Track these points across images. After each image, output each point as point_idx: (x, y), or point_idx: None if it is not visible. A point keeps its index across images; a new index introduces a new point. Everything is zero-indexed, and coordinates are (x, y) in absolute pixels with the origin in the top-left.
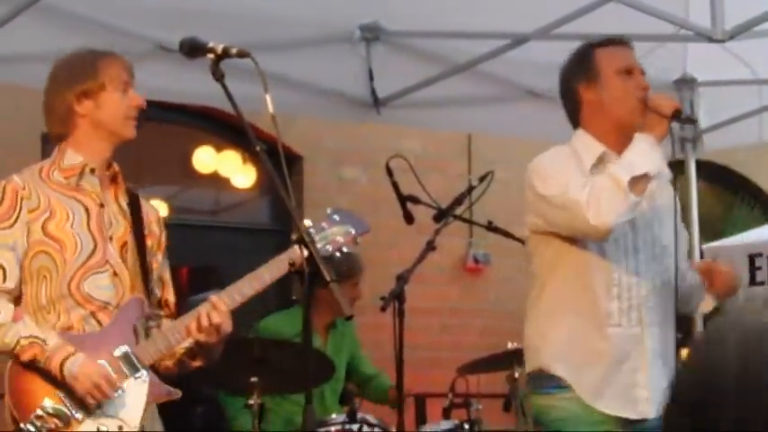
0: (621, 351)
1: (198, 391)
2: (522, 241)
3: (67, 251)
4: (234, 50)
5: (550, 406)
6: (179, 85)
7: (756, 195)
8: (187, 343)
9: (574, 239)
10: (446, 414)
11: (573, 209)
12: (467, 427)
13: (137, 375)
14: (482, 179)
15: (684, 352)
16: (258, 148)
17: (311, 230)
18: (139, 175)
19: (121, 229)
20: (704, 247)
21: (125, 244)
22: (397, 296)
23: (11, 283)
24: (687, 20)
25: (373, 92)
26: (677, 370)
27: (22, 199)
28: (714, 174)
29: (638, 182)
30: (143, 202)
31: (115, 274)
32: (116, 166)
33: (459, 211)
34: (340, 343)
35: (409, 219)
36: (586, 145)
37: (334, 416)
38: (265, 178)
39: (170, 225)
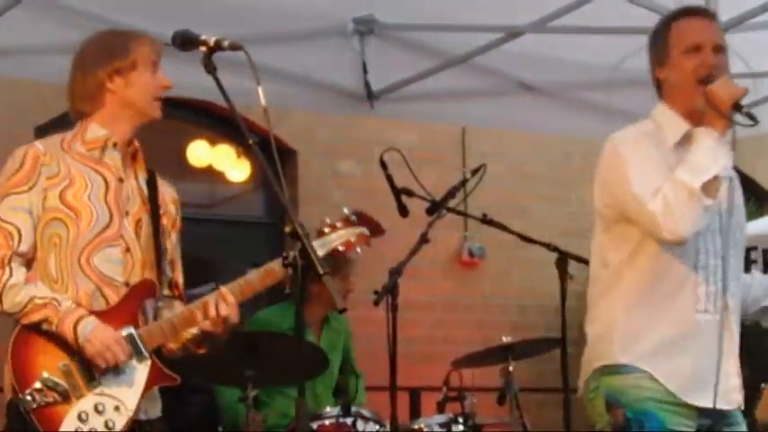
0: (710, 338)
1: (193, 381)
2: (516, 234)
3: (83, 221)
4: (226, 43)
5: (632, 385)
6: (173, 79)
7: (752, 188)
8: (194, 329)
9: None
10: (440, 408)
11: (647, 221)
12: (461, 420)
13: (139, 358)
14: (475, 172)
15: None
16: (251, 142)
17: (326, 229)
18: None
19: (137, 205)
20: None
21: (140, 221)
22: (391, 290)
23: (24, 246)
24: None
25: (367, 85)
26: None
27: (42, 165)
28: None
29: (709, 185)
30: (160, 181)
31: (127, 249)
32: (137, 143)
33: (453, 204)
34: (334, 337)
35: (404, 211)
36: (670, 121)
37: (328, 409)
38: (259, 172)
39: None
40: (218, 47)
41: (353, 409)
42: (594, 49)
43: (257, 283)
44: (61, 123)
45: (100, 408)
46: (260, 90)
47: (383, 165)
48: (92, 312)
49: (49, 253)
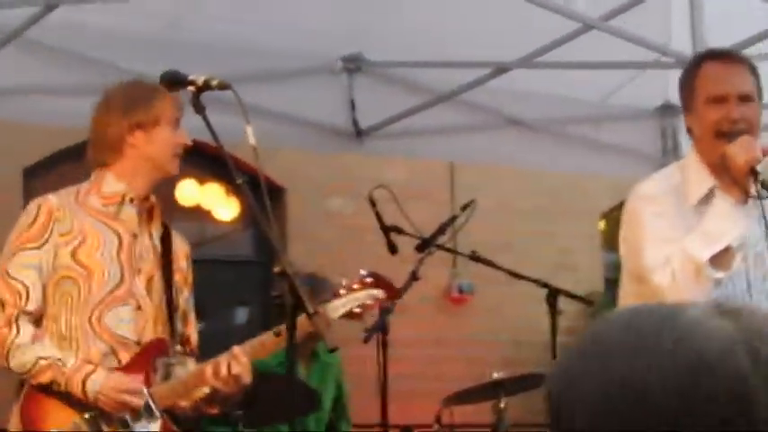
0: None
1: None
2: (505, 270)
3: (95, 280)
4: (214, 82)
5: None
6: None
7: None
8: (205, 389)
9: None
10: None
11: (654, 292)
12: None
13: (150, 417)
14: (464, 208)
15: None
16: (239, 181)
17: (342, 291)
18: None
19: (150, 262)
20: None
21: (152, 278)
22: (381, 328)
23: (32, 306)
24: (668, 46)
25: (355, 122)
26: None
27: (55, 221)
28: None
29: (722, 256)
30: (175, 236)
31: (139, 307)
32: (153, 199)
33: (442, 240)
34: (324, 373)
35: (393, 249)
36: (696, 174)
37: None
38: (248, 210)
39: None
40: (206, 86)
41: None
42: (582, 83)
43: (271, 345)
44: (50, 164)
45: None
46: (248, 129)
47: (372, 202)
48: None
49: (60, 311)
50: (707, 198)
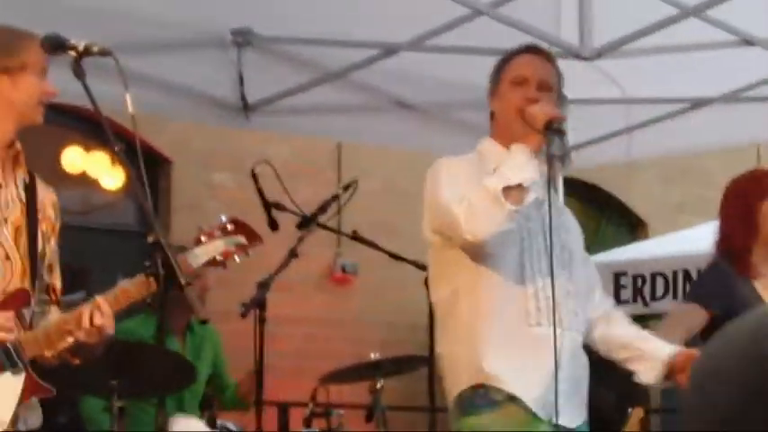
0: (546, 352)
1: (58, 391)
2: (386, 252)
3: None
4: (95, 48)
5: (492, 423)
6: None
7: (624, 214)
8: (69, 339)
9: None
10: (307, 423)
11: (451, 224)
12: None
13: (14, 369)
14: (347, 188)
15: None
16: (116, 149)
17: (203, 238)
18: None
19: (17, 211)
20: None
21: (19, 227)
22: (259, 303)
23: None
24: (557, 37)
25: (243, 97)
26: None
27: None
28: (583, 191)
29: (513, 192)
30: (40, 185)
31: (7, 257)
32: (18, 146)
33: (325, 219)
34: (199, 346)
35: (274, 225)
36: (492, 150)
37: None
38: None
39: None
40: (87, 52)
41: (219, 422)
42: (472, 68)
43: (133, 292)
44: None
45: None
46: (127, 96)
47: (254, 177)
48: None
49: None
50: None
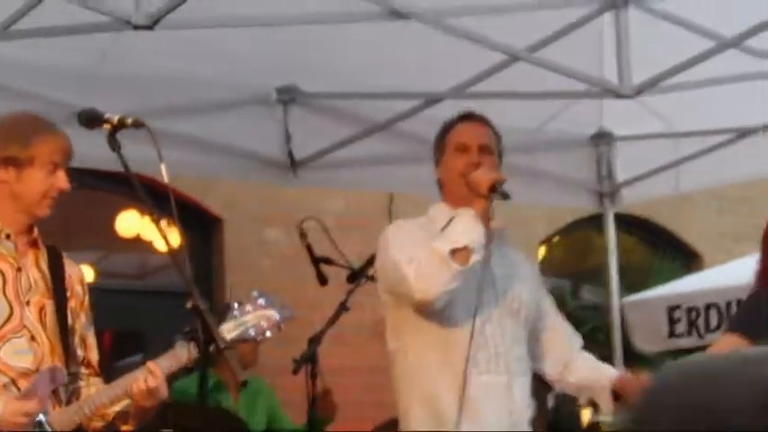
0: (498, 398)
1: None
2: None
3: None
4: (129, 120)
5: None
6: (101, 151)
7: (678, 247)
8: (119, 406)
9: None
10: None
11: (402, 284)
12: None
13: None
14: None
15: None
16: (154, 217)
17: (235, 313)
18: (64, 241)
19: (40, 292)
20: (624, 300)
21: (43, 308)
22: (310, 358)
23: None
24: (600, 76)
25: (290, 154)
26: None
27: None
28: (635, 226)
29: (460, 253)
30: (66, 262)
31: (33, 338)
32: (36, 232)
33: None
34: (253, 400)
35: (323, 280)
36: (441, 213)
37: None
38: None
39: (94, 289)
40: (121, 124)
41: None
42: (514, 113)
43: (185, 357)
44: None
45: None
46: (162, 166)
47: (302, 234)
48: None
49: None
50: (447, 226)
